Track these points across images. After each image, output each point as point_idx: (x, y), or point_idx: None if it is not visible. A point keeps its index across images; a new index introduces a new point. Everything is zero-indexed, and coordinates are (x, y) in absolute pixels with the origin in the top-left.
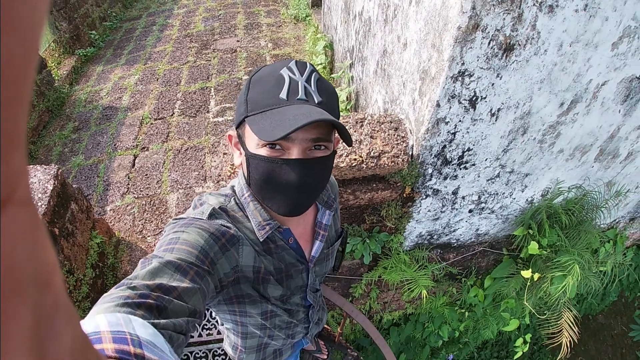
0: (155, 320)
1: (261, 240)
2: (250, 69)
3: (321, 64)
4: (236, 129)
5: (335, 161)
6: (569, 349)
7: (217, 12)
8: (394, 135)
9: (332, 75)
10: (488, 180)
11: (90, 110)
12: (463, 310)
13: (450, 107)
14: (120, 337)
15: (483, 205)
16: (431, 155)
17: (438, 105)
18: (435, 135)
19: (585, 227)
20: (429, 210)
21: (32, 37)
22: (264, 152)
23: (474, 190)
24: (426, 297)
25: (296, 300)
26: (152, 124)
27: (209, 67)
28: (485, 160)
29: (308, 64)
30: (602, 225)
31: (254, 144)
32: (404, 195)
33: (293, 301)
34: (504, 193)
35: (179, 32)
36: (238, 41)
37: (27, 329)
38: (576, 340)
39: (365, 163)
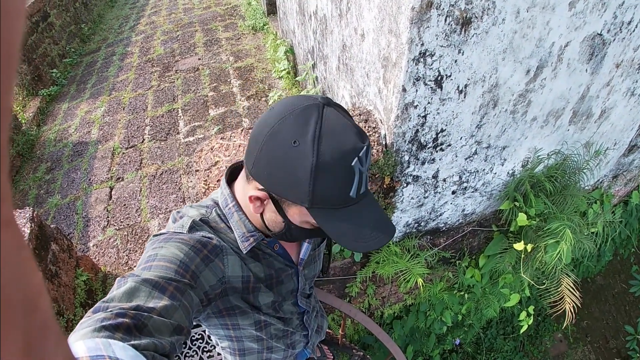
0: (136, 342)
1: (244, 252)
2: (215, 84)
3: (284, 69)
4: (268, 193)
5: None
6: (574, 315)
7: (175, 33)
8: (365, 127)
9: (297, 79)
10: (466, 158)
11: (60, 148)
12: (462, 293)
13: (416, 90)
14: None
15: (465, 184)
16: (405, 141)
17: (404, 90)
18: (406, 120)
19: (570, 192)
20: (412, 198)
21: (10, 52)
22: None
23: (454, 171)
24: (423, 285)
25: (288, 307)
26: (123, 153)
27: (173, 89)
28: (460, 139)
29: (368, 140)
30: (586, 188)
31: (299, 218)
32: (384, 186)
33: (286, 308)
34: (484, 169)
35: (139, 58)
36: (199, 59)
37: (18, 352)
38: (579, 305)
39: None
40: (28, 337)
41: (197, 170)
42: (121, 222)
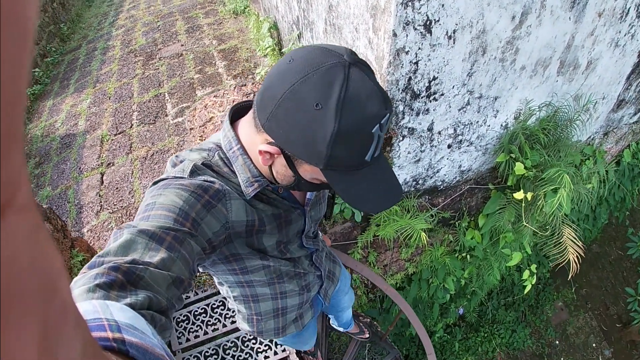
0: (132, 299)
1: (248, 198)
2: (200, 67)
3: (269, 46)
4: (281, 149)
5: None
6: (578, 266)
7: (156, 24)
8: None
9: (283, 50)
10: (460, 109)
11: (48, 143)
12: (464, 255)
13: (407, 35)
14: (97, 324)
15: (460, 137)
16: (399, 90)
17: (395, 34)
18: (398, 67)
19: (563, 144)
20: (408, 152)
21: (26, 32)
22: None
23: (448, 123)
24: (426, 240)
25: (295, 248)
26: (112, 139)
27: (158, 75)
28: (453, 87)
29: (391, 106)
30: (579, 144)
31: (310, 175)
32: None
33: (292, 249)
34: (477, 121)
35: (121, 50)
36: (182, 45)
37: (37, 337)
38: (582, 255)
39: None
40: (46, 323)
41: (191, 129)
42: (114, 205)
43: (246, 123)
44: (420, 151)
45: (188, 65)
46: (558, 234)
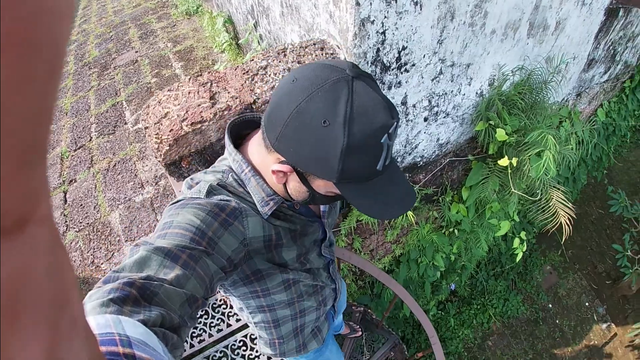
0: (145, 316)
1: (265, 217)
2: (156, 71)
3: (225, 41)
4: (293, 167)
5: (267, 93)
6: (570, 228)
7: (109, 34)
8: (322, 54)
9: (240, 41)
10: (433, 80)
11: None
12: (451, 230)
13: (370, 4)
14: (108, 339)
15: (436, 109)
16: (367, 63)
17: (357, 4)
18: (364, 39)
19: (540, 107)
20: None
21: (58, 61)
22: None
23: (422, 95)
24: (411, 229)
25: (314, 257)
26: (72, 155)
27: (114, 84)
28: (424, 57)
29: (397, 115)
30: (553, 107)
31: (324, 189)
32: None
33: (311, 258)
34: (452, 91)
35: (75, 65)
36: (137, 52)
37: (44, 347)
38: (574, 216)
39: None
40: (55, 333)
41: (146, 127)
42: (80, 222)
43: (255, 144)
44: None
45: (144, 70)
46: (546, 198)
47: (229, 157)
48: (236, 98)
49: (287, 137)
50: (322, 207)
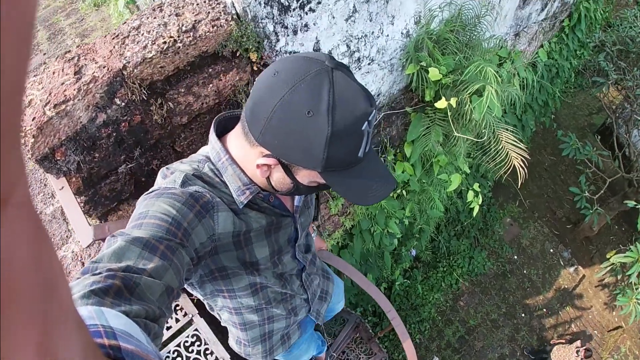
0: (127, 307)
1: (241, 206)
2: None
3: None
4: (278, 159)
5: (140, 54)
6: (525, 170)
7: None
8: (204, 1)
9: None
10: (347, 20)
11: None
12: (399, 192)
13: None
14: (92, 331)
15: (357, 54)
16: (260, 4)
17: None
18: None
19: (476, 44)
20: None
21: (27, 28)
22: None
23: (338, 39)
24: None
25: (287, 260)
26: None
27: None
28: None
29: (375, 103)
30: (492, 47)
31: (308, 180)
32: (254, 67)
33: (285, 261)
34: (373, 32)
35: None
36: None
37: (36, 336)
38: (528, 157)
39: (180, 41)
40: (46, 322)
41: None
42: None
43: (235, 138)
44: None
45: None
46: (495, 141)
47: (209, 145)
48: (103, 67)
49: (271, 130)
50: (295, 202)
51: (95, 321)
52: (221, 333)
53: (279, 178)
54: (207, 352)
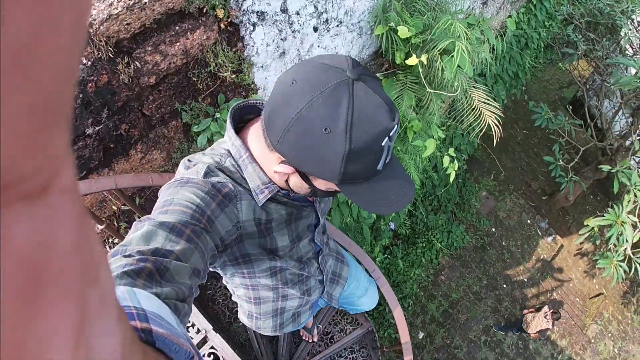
0: (158, 289)
1: (260, 205)
2: None
3: None
4: (295, 168)
5: (106, 11)
6: (500, 129)
7: None
8: None
9: None
10: None
11: None
12: None
13: None
14: (126, 312)
15: (325, 15)
16: None
17: None
18: None
19: (443, 9)
20: (267, 45)
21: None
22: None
23: (305, 0)
24: None
25: (304, 245)
26: None
27: None
28: None
29: (397, 116)
30: (459, 16)
31: (325, 187)
32: (222, 25)
33: (302, 245)
34: None
35: None
36: None
37: (73, 325)
38: (502, 115)
39: None
40: (84, 310)
41: None
42: None
43: (255, 136)
44: (282, 40)
45: None
46: (468, 101)
47: (229, 141)
48: None
49: (288, 142)
50: None
51: (128, 302)
52: (238, 347)
53: (296, 183)
54: None
